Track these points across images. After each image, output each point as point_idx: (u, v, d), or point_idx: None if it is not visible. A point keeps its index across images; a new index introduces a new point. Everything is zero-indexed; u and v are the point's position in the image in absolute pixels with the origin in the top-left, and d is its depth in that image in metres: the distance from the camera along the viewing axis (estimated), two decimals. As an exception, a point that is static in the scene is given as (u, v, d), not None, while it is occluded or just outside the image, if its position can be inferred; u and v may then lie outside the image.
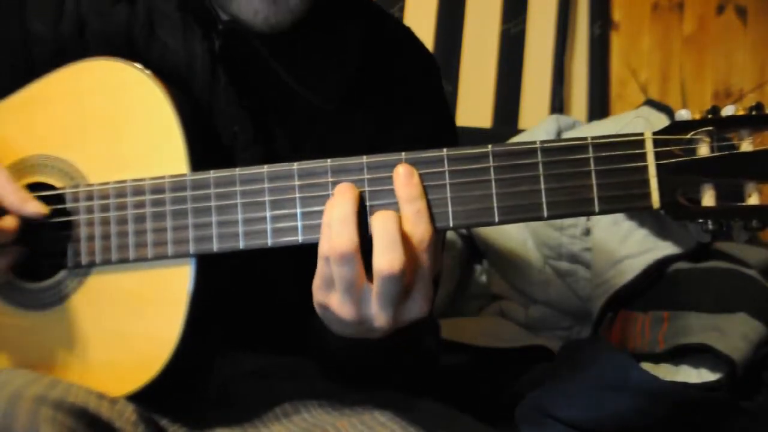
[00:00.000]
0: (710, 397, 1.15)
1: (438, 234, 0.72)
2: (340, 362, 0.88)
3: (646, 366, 1.22)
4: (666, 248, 1.51)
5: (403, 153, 0.72)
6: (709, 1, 2.16)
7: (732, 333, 1.23)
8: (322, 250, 0.70)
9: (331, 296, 0.71)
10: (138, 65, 0.82)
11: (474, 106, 2.09)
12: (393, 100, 0.94)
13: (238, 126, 0.87)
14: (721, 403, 1.15)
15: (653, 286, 1.48)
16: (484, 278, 1.80)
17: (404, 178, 0.70)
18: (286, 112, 0.89)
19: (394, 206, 0.71)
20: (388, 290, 0.67)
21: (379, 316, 0.69)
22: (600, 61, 2.13)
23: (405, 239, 0.69)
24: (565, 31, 2.12)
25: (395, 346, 0.79)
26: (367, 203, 0.72)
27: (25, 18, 0.89)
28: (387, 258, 0.66)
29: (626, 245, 1.55)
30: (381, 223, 0.68)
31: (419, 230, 0.69)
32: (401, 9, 2.07)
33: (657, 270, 1.48)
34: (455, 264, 1.76)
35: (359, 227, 0.69)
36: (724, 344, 1.20)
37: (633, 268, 1.51)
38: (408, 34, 1.02)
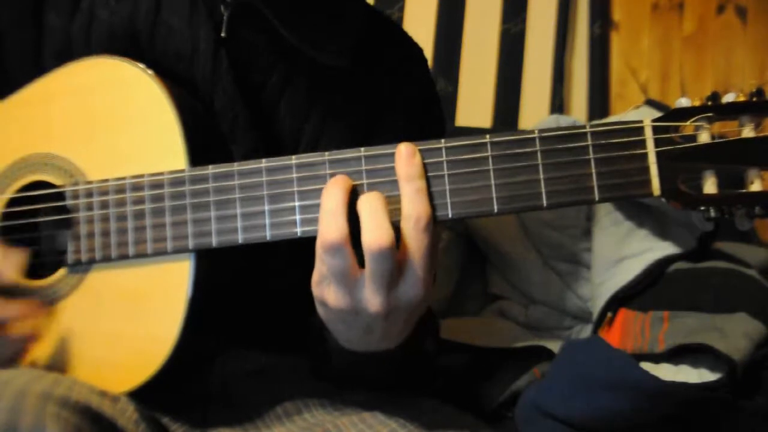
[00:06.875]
0: (710, 397, 1.14)
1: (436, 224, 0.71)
2: (344, 381, 0.88)
3: (646, 366, 1.21)
4: (666, 248, 1.50)
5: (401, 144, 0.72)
6: (709, 1, 2.16)
7: (732, 333, 1.23)
8: (317, 244, 0.70)
9: (327, 289, 0.71)
10: (140, 65, 0.82)
11: (474, 106, 2.08)
12: (383, 89, 0.95)
13: (239, 107, 0.87)
14: (721, 403, 1.14)
15: (653, 286, 1.47)
16: (484, 278, 1.80)
17: (406, 158, 0.70)
18: (287, 89, 0.90)
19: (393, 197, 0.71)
20: (379, 268, 0.67)
21: (372, 299, 0.69)
22: (600, 60, 2.12)
23: (403, 219, 0.69)
24: (565, 31, 2.11)
25: (402, 356, 0.79)
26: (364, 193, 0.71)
27: (42, 11, 0.89)
28: (374, 234, 0.66)
29: (626, 245, 1.55)
30: (366, 203, 0.69)
31: (417, 209, 0.69)
32: (401, 9, 2.07)
33: (657, 270, 1.48)
34: (454, 264, 1.75)
35: (351, 218, 0.69)
36: (725, 344, 1.19)
37: (633, 268, 1.50)
38: (398, 28, 1.04)
